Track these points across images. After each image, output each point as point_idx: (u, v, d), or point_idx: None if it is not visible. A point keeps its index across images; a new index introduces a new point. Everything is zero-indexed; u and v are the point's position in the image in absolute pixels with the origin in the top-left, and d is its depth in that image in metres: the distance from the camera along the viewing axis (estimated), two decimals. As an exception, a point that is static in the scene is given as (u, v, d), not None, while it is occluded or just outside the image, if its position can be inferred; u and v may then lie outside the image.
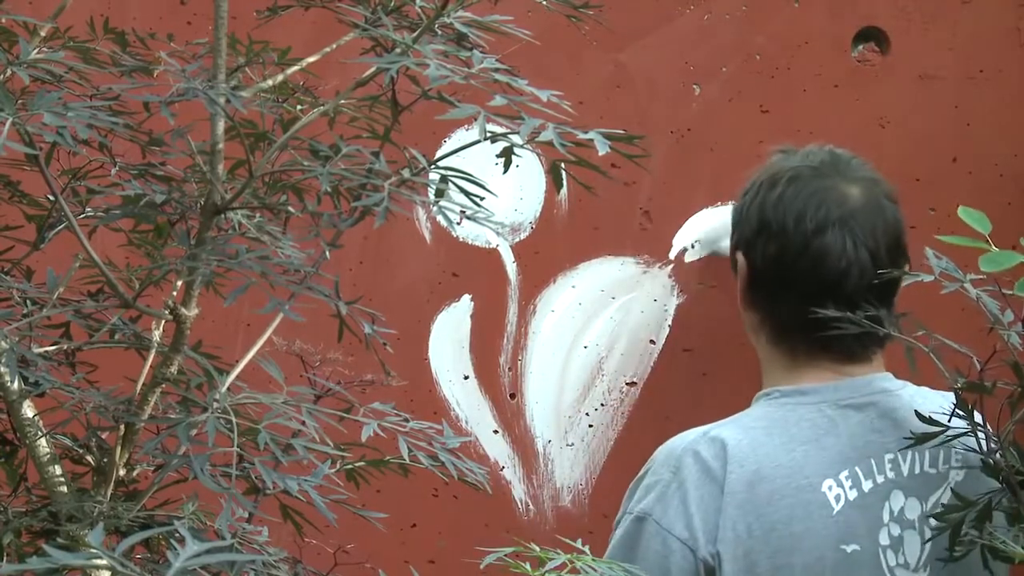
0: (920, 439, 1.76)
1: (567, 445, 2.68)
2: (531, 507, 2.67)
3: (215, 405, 1.45)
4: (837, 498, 1.82)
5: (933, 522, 1.81)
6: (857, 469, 1.84)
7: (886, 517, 1.84)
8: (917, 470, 1.86)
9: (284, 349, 1.67)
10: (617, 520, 1.91)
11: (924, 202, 2.65)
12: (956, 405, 1.72)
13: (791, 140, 2.63)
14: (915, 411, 1.80)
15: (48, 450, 1.59)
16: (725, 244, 2.45)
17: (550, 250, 2.66)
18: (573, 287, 2.69)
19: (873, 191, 1.94)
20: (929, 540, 1.81)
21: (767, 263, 1.92)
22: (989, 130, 2.69)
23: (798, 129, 2.64)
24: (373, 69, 1.56)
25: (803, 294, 1.86)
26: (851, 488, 1.83)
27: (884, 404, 1.88)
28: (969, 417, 1.72)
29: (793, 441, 1.86)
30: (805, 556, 1.80)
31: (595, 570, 1.33)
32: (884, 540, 1.83)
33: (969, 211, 1.88)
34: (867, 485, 1.83)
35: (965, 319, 2.23)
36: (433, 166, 1.52)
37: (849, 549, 1.82)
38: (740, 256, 1.96)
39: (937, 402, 1.89)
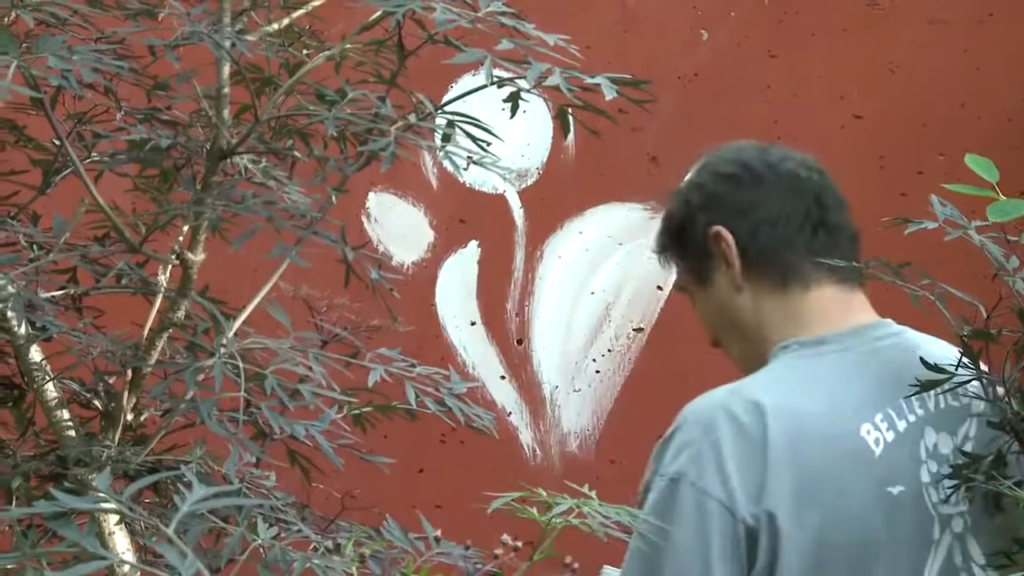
0: (924, 386, 1.76)
1: (574, 391, 2.68)
2: (538, 452, 2.68)
3: (222, 350, 1.45)
4: (876, 441, 1.83)
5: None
6: (890, 410, 1.84)
7: (923, 455, 1.85)
8: (943, 404, 1.87)
9: (291, 294, 1.67)
10: (646, 483, 1.87)
11: (932, 147, 2.64)
12: (962, 353, 1.72)
13: (800, 85, 2.62)
14: (921, 358, 1.80)
15: (56, 394, 1.59)
16: None
17: (557, 196, 2.65)
18: (580, 233, 2.68)
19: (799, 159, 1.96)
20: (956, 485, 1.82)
21: (752, 215, 1.91)
22: (998, 75, 2.67)
23: (806, 74, 2.62)
24: (379, 13, 1.55)
25: (798, 222, 1.88)
26: (888, 430, 1.83)
27: (901, 345, 1.89)
28: (976, 366, 1.72)
29: (824, 391, 1.85)
30: (854, 503, 1.80)
31: (602, 514, 1.33)
32: (925, 478, 1.84)
33: (976, 159, 1.87)
34: (901, 425, 1.84)
35: (969, 267, 2.22)
36: (440, 111, 1.51)
37: (895, 491, 1.82)
38: (721, 230, 1.90)
39: (940, 346, 1.90)
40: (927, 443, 1.85)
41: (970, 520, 1.84)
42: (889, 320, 1.93)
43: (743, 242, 1.91)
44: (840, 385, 1.86)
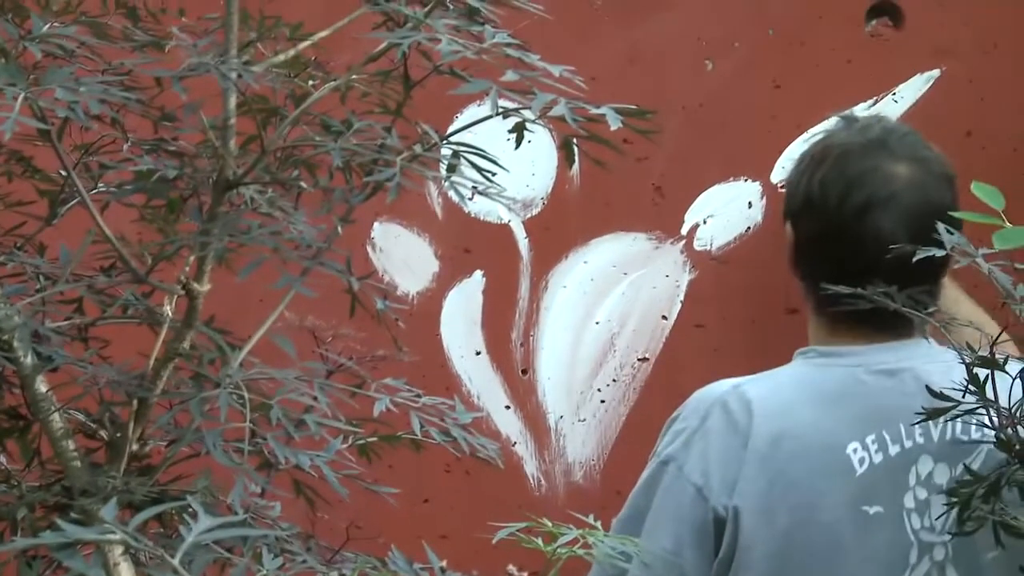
0: (930, 415, 1.76)
1: (579, 421, 2.68)
2: (543, 483, 2.67)
3: (227, 380, 1.45)
4: (861, 460, 1.86)
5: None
6: (884, 433, 1.87)
7: (912, 481, 1.87)
8: (948, 436, 1.88)
9: (296, 325, 1.67)
10: (649, 460, 1.97)
11: (937, 177, 2.64)
12: (968, 380, 1.72)
13: (805, 115, 2.62)
14: (927, 387, 1.80)
15: (61, 425, 1.59)
16: None
17: (562, 226, 2.66)
18: (585, 263, 2.68)
19: (921, 172, 1.96)
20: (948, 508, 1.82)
21: (809, 239, 1.96)
22: (1004, 105, 2.68)
23: (811, 104, 2.63)
24: (385, 44, 1.56)
25: (842, 273, 1.87)
26: (876, 451, 1.86)
27: (919, 370, 1.91)
28: (981, 393, 1.72)
29: (821, 401, 1.89)
30: (825, 515, 1.84)
31: (607, 545, 1.33)
32: (909, 503, 1.86)
33: (983, 187, 1.88)
34: (894, 449, 1.87)
35: (976, 294, 2.22)
36: (445, 141, 1.52)
37: (871, 511, 1.86)
38: (788, 226, 2.01)
39: (958, 374, 1.90)
40: (919, 470, 1.87)
41: (951, 550, 1.85)
42: (924, 340, 1.93)
43: (797, 251, 1.98)
44: (840, 400, 1.89)
